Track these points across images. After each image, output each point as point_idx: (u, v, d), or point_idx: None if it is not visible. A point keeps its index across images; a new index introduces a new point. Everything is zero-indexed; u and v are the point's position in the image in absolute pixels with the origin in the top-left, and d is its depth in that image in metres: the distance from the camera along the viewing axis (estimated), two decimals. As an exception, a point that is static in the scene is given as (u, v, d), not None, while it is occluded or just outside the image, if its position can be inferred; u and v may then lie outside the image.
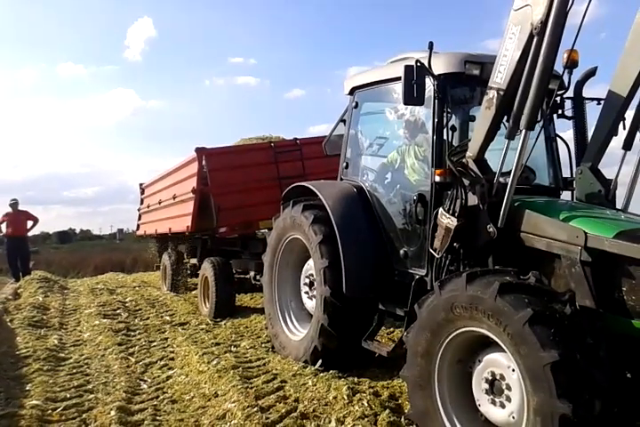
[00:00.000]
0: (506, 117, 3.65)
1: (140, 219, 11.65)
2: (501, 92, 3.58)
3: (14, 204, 12.73)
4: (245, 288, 8.24)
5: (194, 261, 9.17)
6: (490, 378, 3.05)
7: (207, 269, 8.26)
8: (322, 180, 7.65)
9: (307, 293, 5.22)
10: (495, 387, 3.02)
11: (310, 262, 5.09)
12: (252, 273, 7.89)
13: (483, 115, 3.76)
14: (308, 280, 5.18)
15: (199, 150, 7.70)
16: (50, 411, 3.98)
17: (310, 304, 5.13)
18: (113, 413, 3.83)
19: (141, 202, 11.58)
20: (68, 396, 4.33)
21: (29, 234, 13.80)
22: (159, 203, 9.68)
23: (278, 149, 7.96)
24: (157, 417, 3.86)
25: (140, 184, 11.62)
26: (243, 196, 7.58)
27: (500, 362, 3.01)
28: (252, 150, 8.11)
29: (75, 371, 5.11)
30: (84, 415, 3.92)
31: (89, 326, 7.05)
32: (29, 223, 12.87)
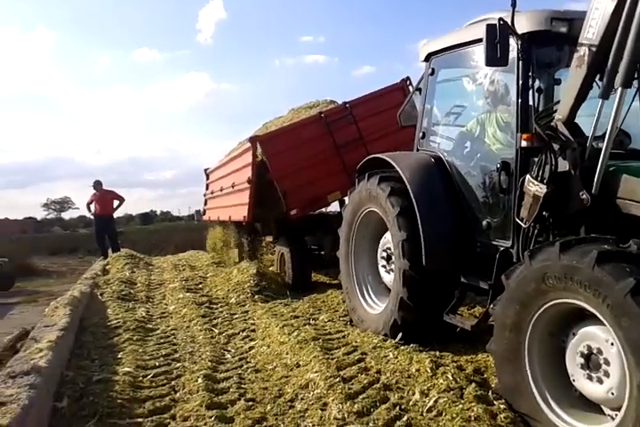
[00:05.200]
0: (599, 76, 3.38)
1: (205, 204, 11.80)
2: (594, 49, 3.32)
3: (97, 184, 13.31)
4: (321, 264, 8.28)
5: (269, 238, 9.31)
6: (586, 352, 2.88)
7: (283, 246, 8.38)
8: (379, 138, 7.60)
9: (384, 266, 5.15)
10: (592, 362, 2.85)
11: (387, 236, 5.01)
12: (326, 249, 7.95)
13: (573, 74, 3.49)
14: (385, 254, 5.11)
15: (252, 139, 7.67)
16: (140, 377, 4.17)
17: (388, 278, 5.06)
18: (200, 380, 3.96)
19: (206, 187, 11.70)
20: (157, 364, 4.52)
21: (116, 213, 14.46)
22: (221, 190, 9.75)
23: (329, 118, 7.78)
24: (242, 385, 3.95)
25: (205, 169, 11.70)
26: (305, 174, 7.53)
27: (597, 335, 2.83)
28: (303, 126, 7.93)
29: (162, 341, 5.33)
30: (172, 382, 4.08)
31: (174, 300, 7.34)
32: (115, 203, 13.42)
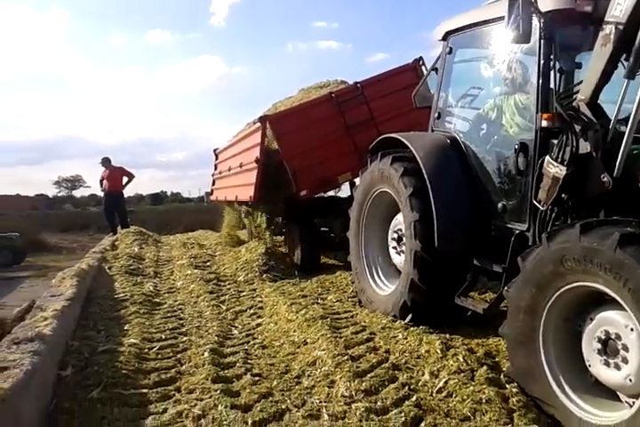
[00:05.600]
0: (625, 55, 3.27)
1: (213, 184, 11.67)
2: (620, 27, 3.20)
3: (105, 161, 13.23)
4: (330, 246, 8.22)
5: (278, 219, 9.24)
6: (603, 337, 2.80)
7: (292, 227, 8.33)
8: (391, 119, 7.48)
9: (395, 248, 5.08)
10: (609, 347, 2.78)
11: (399, 217, 4.93)
12: (336, 231, 7.88)
13: (598, 53, 3.37)
14: (396, 235, 5.04)
15: (262, 119, 7.55)
16: (146, 349, 4.15)
17: (398, 259, 4.99)
18: (206, 354, 3.93)
19: (215, 167, 11.56)
20: (164, 337, 4.50)
21: (126, 192, 14.43)
22: (229, 170, 9.63)
23: (340, 98, 7.64)
24: (248, 361, 3.92)
25: (215, 150, 11.55)
26: (315, 154, 7.40)
27: (616, 320, 2.76)
28: (313, 106, 7.79)
29: (169, 315, 5.32)
30: (178, 355, 4.05)
31: (181, 276, 7.33)
32: (125, 179, 13.39)
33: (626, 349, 2.70)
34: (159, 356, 4.03)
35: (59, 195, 54.39)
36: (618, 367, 2.73)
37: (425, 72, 7.87)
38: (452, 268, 4.35)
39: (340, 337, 4.13)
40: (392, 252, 5.12)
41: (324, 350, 3.81)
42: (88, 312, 5.22)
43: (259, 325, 4.94)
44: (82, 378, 3.49)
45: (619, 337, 2.74)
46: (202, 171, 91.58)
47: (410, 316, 4.44)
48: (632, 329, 2.65)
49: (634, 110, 3.20)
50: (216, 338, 4.39)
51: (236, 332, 4.73)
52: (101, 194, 14.35)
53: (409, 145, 4.68)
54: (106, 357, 3.86)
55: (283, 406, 3.06)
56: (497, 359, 3.69)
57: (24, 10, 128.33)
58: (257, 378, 3.53)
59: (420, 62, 8.02)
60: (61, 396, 3.23)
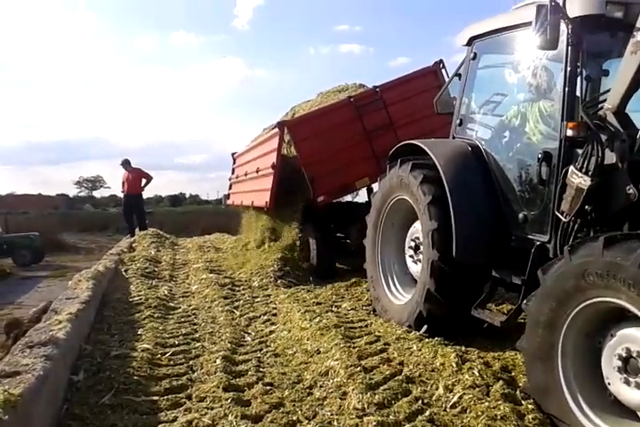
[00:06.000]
0: (656, 64, 3.17)
1: (230, 188, 11.62)
2: None
3: (125, 163, 13.33)
4: (346, 252, 8.15)
5: (295, 224, 9.18)
6: (624, 355, 2.71)
7: (308, 232, 8.28)
8: (410, 124, 7.38)
9: (411, 256, 5.00)
10: (630, 365, 2.68)
11: (416, 225, 4.86)
12: (352, 237, 7.82)
13: (627, 61, 3.27)
14: (413, 244, 4.96)
15: (280, 124, 7.50)
16: (159, 355, 4.14)
17: (415, 268, 4.92)
18: (218, 361, 3.91)
19: (232, 171, 11.51)
20: (177, 342, 4.49)
21: (145, 194, 14.53)
22: (245, 175, 9.57)
23: (359, 103, 7.55)
24: (261, 369, 3.88)
25: (233, 153, 11.50)
26: (333, 159, 7.35)
27: (638, 338, 2.66)
28: (332, 111, 7.70)
29: (183, 320, 5.31)
30: (190, 362, 4.03)
31: (197, 280, 7.33)
32: (143, 181, 13.47)
33: (648, 368, 2.60)
34: (171, 362, 4.01)
35: (79, 195, 55.21)
36: (639, 387, 2.63)
37: (446, 75, 7.82)
38: (469, 279, 4.27)
39: (354, 347, 4.08)
40: (409, 260, 5.05)
41: (336, 360, 3.75)
42: (103, 315, 5.24)
43: (272, 332, 4.90)
44: (93, 383, 3.49)
45: (641, 355, 2.65)
46: (221, 173, 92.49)
47: (425, 327, 4.35)
48: (655, 348, 2.56)
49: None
50: (229, 345, 4.36)
51: (249, 339, 4.70)
52: (121, 195, 14.46)
53: (429, 152, 4.61)
54: (118, 362, 3.85)
55: (294, 418, 3.02)
56: (513, 374, 3.60)
57: (53, 9, 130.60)
58: (268, 387, 3.49)
59: (441, 65, 7.93)
60: (72, 401, 3.24)
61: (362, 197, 8.78)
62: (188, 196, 56.76)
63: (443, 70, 7.92)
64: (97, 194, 56.69)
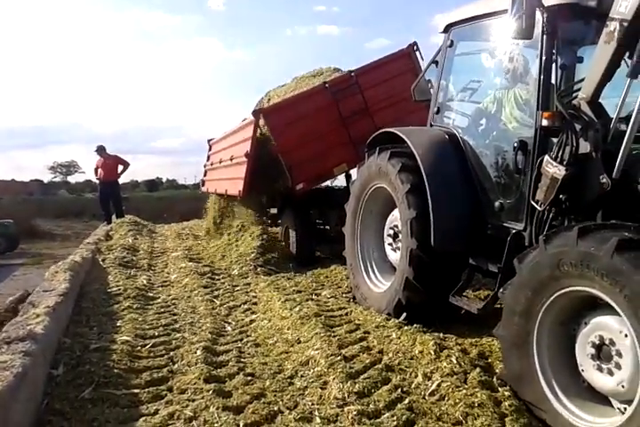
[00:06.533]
0: (628, 53, 3.21)
1: (205, 175, 11.53)
2: (625, 24, 3.13)
3: (99, 149, 13.10)
4: (325, 238, 8.19)
5: (274, 211, 9.18)
6: (597, 342, 2.79)
7: (287, 219, 8.28)
8: (386, 108, 7.39)
9: (390, 244, 5.04)
10: (603, 352, 2.76)
11: (395, 213, 4.89)
12: (331, 224, 7.85)
13: (601, 50, 3.30)
14: (392, 231, 5.00)
15: (256, 112, 7.43)
16: (139, 347, 4.11)
17: (394, 256, 4.96)
18: (199, 352, 3.90)
19: (207, 158, 11.40)
20: (156, 334, 4.47)
21: (121, 180, 14.34)
22: (220, 162, 9.50)
23: (334, 88, 7.51)
24: (241, 359, 3.89)
25: (209, 140, 11.36)
26: (310, 146, 7.32)
27: (610, 326, 2.74)
28: (307, 97, 7.65)
29: (162, 310, 5.28)
30: (171, 353, 4.01)
31: (176, 269, 7.28)
32: (120, 168, 13.29)
33: (619, 355, 2.68)
34: (151, 354, 3.99)
35: (54, 180, 54.18)
36: (611, 373, 2.71)
37: (420, 58, 7.82)
38: (447, 266, 4.33)
39: (334, 336, 4.11)
40: (387, 248, 5.09)
41: (317, 349, 3.78)
42: (81, 307, 5.18)
43: (252, 321, 4.91)
44: (73, 377, 3.46)
45: (613, 343, 2.72)
46: (198, 158, 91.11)
47: (404, 314, 4.41)
48: (626, 335, 2.64)
49: (635, 111, 3.15)
50: (209, 335, 4.35)
51: (229, 329, 4.70)
52: (97, 181, 14.24)
53: (407, 140, 4.62)
54: (98, 355, 3.82)
55: (275, 408, 3.04)
56: (490, 361, 3.68)
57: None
58: (249, 378, 3.51)
59: (415, 48, 7.90)
60: (52, 396, 3.21)
61: (340, 181, 8.80)
62: (165, 180, 56.14)
63: (417, 53, 7.89)
64: (72, 179, 55.73)
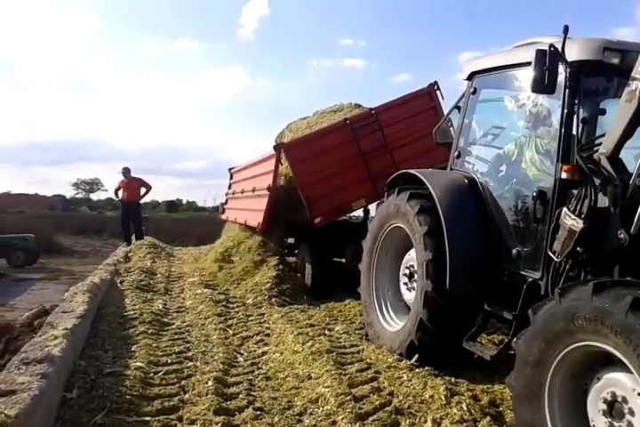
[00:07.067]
0: (649, 113, 3.28)
1: (226, 203, 11.64)
2: None
3: (125, 172, 13.45)
4: (341, 272, 8.21)
5: (291, 240, 9.26)
6: (609, 399, 2.76)
7: (304, 251, 8.33)
8: (405, 145, 7.49)
9: (405, 284, 5.07)
10: (615, 409, 2.74)
11: (412, 253, 4.93)
12: (348, 258, 7.88)
13: (622, 108, 3.37)
14: (407, 271, 5.03)
15: (277, 147, 7.57)
16: (152, 374, 4.18)
17: (409, 296, 4.98)
18: (210, 383, 3.95)
19: (229, 186, 11.56)
20: (169, 361, 4.53)
21: (142, 200, 14.60)
22: (242, 192, 9.62)
23: (355, 125, 7.65)
24: (252, 392, 3.92)
25: (230, 169, 11.53)
26: (329, 181, 7.45)
27: (623, 383, 2.72)
28: (328, 133, 7.80)
29: (176, 337, 5.35)
30: (182, 382, 4.07)
31: (191, 295, 7.38)
32: (142, 190, 13.56)
33: (632, 413, 2.66)
34: (163, 381, 4.05)
35: (76, 196, 55.13)
36: (623, 431, 2.69)
37: (440, 97, 7.98)
38: (462, 310, 4.34)
39: (345, 374, 4.13)
40: (403, 287, 5.12)
41: (327, 387, 3.80)
42: (97, 330, 5.27)
43: (264, 353, 4.95)
44: (86, 401, 3.52)
45: (625, 400, 2.70)
46: (219, 181, 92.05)
47: (416, 356, 4.41)
48: (639, 394, 2.63)
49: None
50: (221, 365, 4.40)
51: (241, 359, 4.75)
52: (118, 201, 14.51)
53: (427, 183, 4.70)
54: (112, 379, 3.89)
55: (282, 446, 3.06)
56: (501, 409, 3.66)
57: (57, 11, 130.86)
58: (259, 412, 3.54)
59: (435, 87, 8.06)
60: (65, 420, 3.28)
61: (357, 211, 8.83)
62: (184, 202, 56.79)
63: (437, 92, 8.06)
64: (94, 196, 56.67)
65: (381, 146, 7.71)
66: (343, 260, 8.17)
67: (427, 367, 4.16)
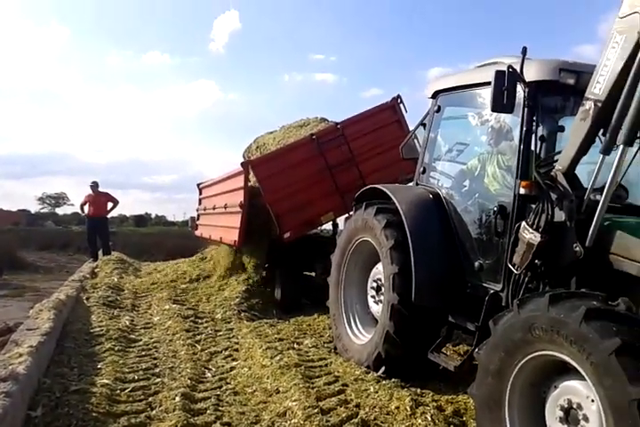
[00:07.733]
0: (602, 131, 3.43)
1: (198, 219, 11.51)
2: (599, 104, 3.36)
3: (94, 186, 13.31)
4: (310, 286, 8.26)
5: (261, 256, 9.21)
6: (565, 406, 2.88)
7: (274, 265, 8.34)
8: (371, 158, 7.64)
9: (373, 297, 5.16)
10: (571, 416, 2.85)
11: (379, 266, 5.02)
12: (317, 272, 7.94)
13: (577, 127, 3.54)
14: (375, 284, 5.12)
15: (244, 164, 7.62)
16: (118, 391, 4.13)
17: (376, 308, 5.07)
18: (177, 399, 3.92)
19: (199, 202, 11.42)
20: (136, 378, 4.49)
21: (109, 215, 14.41)
22: (214, 208, 9.57)
23: (321, 140, 7.75)
24: (219, 408, 3.91)
25: (198, 184, 11.39)
26: (297, 196, 7.52)
27: (578, 391, 2.84)
28: (295, 149, 7.88)
29: (144, 353, 5.30)
30: (149, 398, 4.03)
31: (159, 310, 7.31)
32: (109, 205, 13.41)
33: (586, 419, 2.77)
34: (130, 398, 4.01)
35: (41, 211, 53.95)
36: (579, 438, 2.79)
37: (404, 110, 8.19)
38: (427, 322, 4.44)
39: (313, 387, 4.16)
40: (370, 300, 5.20)
41: (295, 400, 3.83)
42: (63, 347, 5.17)
43: (232, 368, 4.93)
44: (51, 419, 3.47)
45: (580, 407, 2.81)
46: (189, 195, 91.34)
47: (383, 368, 4.48)
48: (592, 400, 2.73)
49: (608, 184, 3.33)
50: (189, 381, 4.38)
51: (209, 375, 4.73)
52: (85, 216, 14.30)
53: (392, 197, 4.82)
54: (77, 397, 3.84)
55: (250, 460, 3.07)
56: (464, 419, 3.74)
57: (25, 24, 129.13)
58: (226, 427, 3.54)
59: (398, 100, 8.24)
60: (29, 439, 3.22)
61: (327, 224, 8.89)
62: (153, 216, 56.12)
63: (401, 105, 8.24)
64: (60, 211, 55.57)
65: (348, 159, 7.82)
66: (313, 274, 8.24)
67: (393, 379, 4.23)
